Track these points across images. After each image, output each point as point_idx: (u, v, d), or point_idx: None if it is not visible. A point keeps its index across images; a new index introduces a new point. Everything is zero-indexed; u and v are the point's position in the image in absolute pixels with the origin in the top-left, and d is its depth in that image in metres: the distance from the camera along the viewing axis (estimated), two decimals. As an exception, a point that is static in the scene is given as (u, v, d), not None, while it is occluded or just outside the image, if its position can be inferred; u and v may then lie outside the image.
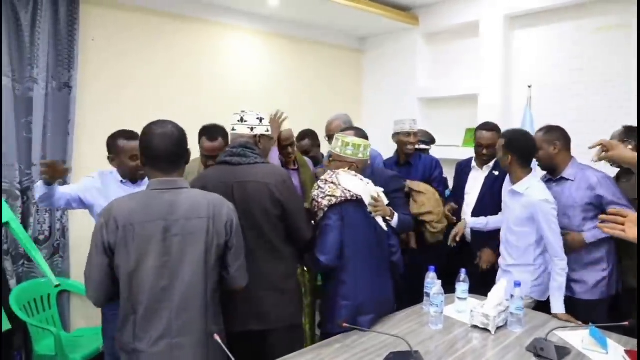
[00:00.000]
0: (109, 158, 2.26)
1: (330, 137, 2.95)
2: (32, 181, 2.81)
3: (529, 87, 3.56)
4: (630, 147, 2.38)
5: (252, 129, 2.05)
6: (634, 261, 2.28)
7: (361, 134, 2.33)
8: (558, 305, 2.18)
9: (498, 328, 1.99)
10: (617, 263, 2.41)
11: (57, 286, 2.51)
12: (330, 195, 1.99)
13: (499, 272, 2.47)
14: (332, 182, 2.02)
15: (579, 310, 2.23)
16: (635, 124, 2.59)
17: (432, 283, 2.11)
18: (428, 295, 2.17)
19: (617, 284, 2.39)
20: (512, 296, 1.99)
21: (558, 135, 2.42)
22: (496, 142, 2.55)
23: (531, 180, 2.32)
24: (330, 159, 2.18)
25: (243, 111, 2.09)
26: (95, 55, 3.14)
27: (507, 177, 2.49)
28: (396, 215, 2.27)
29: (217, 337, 1.45)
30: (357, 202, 2.04)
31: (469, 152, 3.90)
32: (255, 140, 2.05)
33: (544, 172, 2.54)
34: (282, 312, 2.00)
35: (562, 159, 2.40)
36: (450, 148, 4.16)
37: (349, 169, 2.11)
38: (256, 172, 1.94)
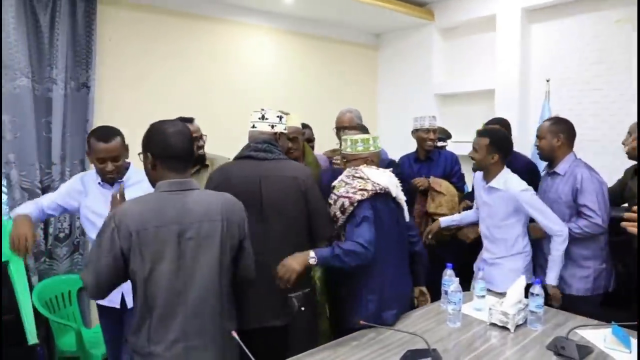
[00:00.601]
0: (87, 152, 2.15)
1: (339, 129, 2.93)
2: (52, 180, 2.86)
3: (547, 81, 3.50)
4: None
5: (272, 127, 2.09)
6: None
7: (364, 130, 2.44)
8: (552, 276, 2.28)
9: (517, 326, 1.96)
10: (609, 260, 2.42)
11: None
12: (362, 189, 1.96)
13: (485, 267, 2.46)
14: (360, 177, 2.01)
15: (567, 304, 2.28)
16: None
17: (450, 280, 2.09)
18: (446, 292, 2.15)
19: (608, 281, 2.41)
20: (532, 294, 1.96)
21: (564, 128, 2.43)
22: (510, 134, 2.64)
23: (505, 174, 2.38)
24: (345, 160, 2.16)
25: (263, 109, 2.11)
26: (112, 55, 3.17)
27: (478, 174, 2.55)
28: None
29: (234, 334, 1.45)
30: (384, 195, 2.04)
31: (486, 148, 3.89)
32: (275, 138, 2.09)
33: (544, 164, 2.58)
34: (305, 309, 1.98)
35: (561, 152, 2.42)
36: (467, 144, 4.08)
37: (365, 164, 2.11)
38: (282, 166, 2.00)
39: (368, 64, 4.89)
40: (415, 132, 3.08)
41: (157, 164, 1.54)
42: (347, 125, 2.84)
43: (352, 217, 1.96)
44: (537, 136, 2.52)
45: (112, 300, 2.08)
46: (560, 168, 2.42)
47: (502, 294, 2.27)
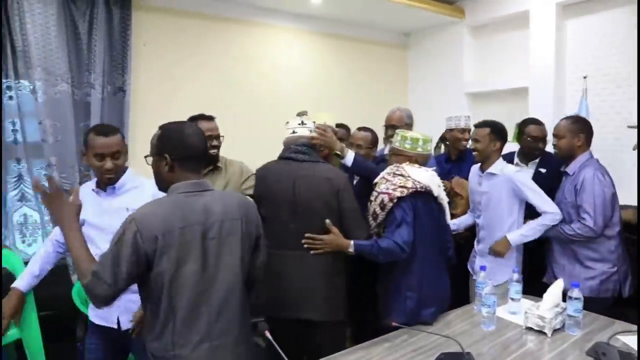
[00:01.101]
0: (81, 153, 2.02)
1: (388, 127, 2.97)
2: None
3: (584, 78, 3.40)
4: None
5: (310, 131, 2.25)
6: None
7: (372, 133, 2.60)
8: (516, 236, 2.36)
9: (555, 331, 1.91)
10: (624, 264, 2.39)
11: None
12: (402, 187, 1.98)
13: (479, 258, 2.54)
14: (401, 175, 2.03)
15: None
16: None
17: (484, 283, 2.06)
18: (480, 295, 2.12)
19: (619, 284, 2.36)
20: (570, 297, 1.91)
21: (583, 128, 2.43)
22: (546, 135, 2.68)
23: (501, 162, 2.48)
24: (392, 153, 2.22)
25: (298, 117, 2.29)
26: (147, 60, 3.26)
27: (472, 170, 2.63)
28: (351, 152, 2.33)
29: (267, 334, 1.47)
30: (425, 194, 2.04)
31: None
32: (312, 143, 2.23)
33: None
34: (334, 306, 2.10)
35: (580, 152, 2.42)
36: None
37: (408, 163, 2.12)
38: (319, 168, 2.13)
39: (397, 63, 4.85)
40: (449, 131, 3.07)
41: (175, 165, 1.50)
42: (395, 124, 2.89)
43: (392, 216, 1.99)
44: (555, 135, 2.48)
45: (109, 319, 1.95)
46: (570, 168, 2.43)
47: (497, 287, 2.32)
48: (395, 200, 1.97)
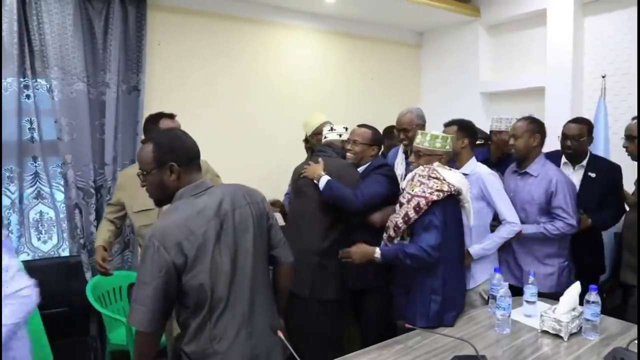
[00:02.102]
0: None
1: (399, 131, 2.89)
2: (104, 179, 2.99)
3: (603, 77, 3.33)
4: None
5: (340, 135, 2.57)
6: (634, 256, 2.33)
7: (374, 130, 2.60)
8: (477, 249, 2.29)
9: (571, 335, 1.88)
10: (570, 258, 2.51)
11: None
12: (439, 190, 1.99)
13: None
14: (436, 178, 2.03)
15: None
16: None
17: (499, 285, 2.03)
18: (494, 297, 2.09)
19: (570, 278, 2.46)
20: (587, 301, 1.87)
21: (540, 129, 2.46)
22: (584, 134, 2.64)
23: (474, 162, 2.42)
24: (419, 154, 2.18)
25: (331, 125, 2.60)
26: (161, 59, 3.28)
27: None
28: (324, 178, 2.33)
29: (280, 334, 1.46)
30: (455, 196, 2.06)
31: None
32: (342, 144, 2.54)
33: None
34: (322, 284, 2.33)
35: (535, 153, 2.46)
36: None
37: (438, 162, 2.12)
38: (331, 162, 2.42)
39: (410, 62, 4.82)
40: (497, 133, 2.96)
41: (181, 171, 1.50)
42: (406, 127, 2.75)
43: (421, 220, 2.00)
44: (512, 135, 2.50)
45: None
46: (532, 169, 2.46)
47: (476, 287, 2.34)
48: (430, 204, 1.98)
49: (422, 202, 1.99)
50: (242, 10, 3.61)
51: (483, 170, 2.37)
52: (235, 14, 3.59)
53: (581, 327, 1.90)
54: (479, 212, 2.34)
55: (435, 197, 1.98)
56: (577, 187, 2.63)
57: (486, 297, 2.34)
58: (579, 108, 3.65)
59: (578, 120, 2.72)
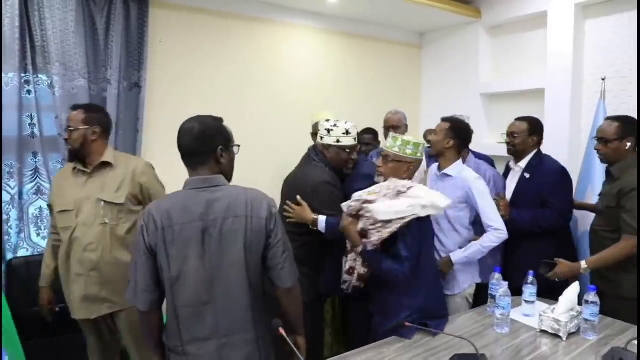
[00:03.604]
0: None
1: (388, 129, 2.95)
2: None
3: (603, 79, 3.34)
4: (629, 144, 2.26)
5: (322, 138, 2.37)
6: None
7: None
8: (460, 257, 2.25)
9: (570, 334, 1.89)
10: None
11: None
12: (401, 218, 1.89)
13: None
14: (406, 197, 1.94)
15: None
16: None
17: (498, 284, 2.04)
18: (493, 297, 2.10)
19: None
20: (586, 301, 1.88)
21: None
22: (523, 132, 2.64)
23: (460, 165, 2.39)
24: (388, 159, 2.08)
25: (327, 120, 2.41)
26: (162, 56, 3.27)
27: (432, 169, 2.54)
28: (322, 219, 2.22)
29: (282, 331, 1.47)
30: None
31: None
32: (323, 149, 2.36)
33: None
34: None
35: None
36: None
37: (407, 170, 2.04)
38: (301, 176, 2.38)
39: (411, 63, 4.82)
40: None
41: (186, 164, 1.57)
42: (395, 125, 2.91)
43: (402, 235, 1.89)
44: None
45: None
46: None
47: (454, 296, 2.34)
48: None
49: (385, 233, 1.87)
50: (243, 8, 3.61)
51: (469, 174, 2.32)
52: (237, 12, 3.59)
53: (580, 327, 1.92)
54: (458, 218, 2.32)
55: (395, 228, 1.85)
56: (514, 186, 2.70)
57: (472, 302, 2.36)
58: (578, 110, 3.66)
59: (520, 118, 2.74)
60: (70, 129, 2.13)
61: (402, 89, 4.70)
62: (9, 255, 2.73)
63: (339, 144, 2.31)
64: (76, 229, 2.07)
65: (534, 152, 2.66)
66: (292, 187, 2.38)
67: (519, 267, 2.31)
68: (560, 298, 1.95)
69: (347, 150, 2.34)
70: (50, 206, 2.26)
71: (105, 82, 2.95)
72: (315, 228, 2.23)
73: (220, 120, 1.62)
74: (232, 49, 3.60)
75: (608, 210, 2.26)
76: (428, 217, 1.97)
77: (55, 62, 2.73)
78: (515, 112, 4.13)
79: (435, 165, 2.51)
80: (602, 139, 2.32)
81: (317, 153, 2.37)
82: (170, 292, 1.48)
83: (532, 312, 2.08)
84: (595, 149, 2.40)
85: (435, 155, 2.44)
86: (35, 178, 2.84)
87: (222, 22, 3.53)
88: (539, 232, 2.52)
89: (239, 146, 1.67)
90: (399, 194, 1.93)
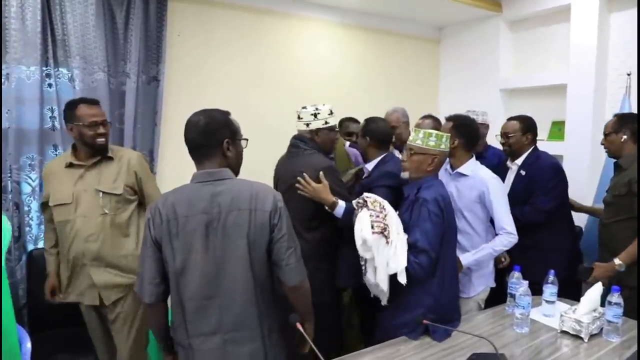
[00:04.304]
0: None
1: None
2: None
3: (628, 75, 3.25)
4: (625, 136, 2.40)
5: (307, 125, 2.33)
6: (608, 254, 2.35)
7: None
8: (470, 260, 2.18)
9: (591, 336, 1.85)
10: None
11: None
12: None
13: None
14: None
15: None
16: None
17: (518, 283, 2.01)
18: (512, 296, 2.07)
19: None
20: (609, 302, 1.84)
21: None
22: (516, 131, 2.65)
23: (474, 163, 2.32)
24: (412, 151, 2.04)
25: (304, 107, 2.36)
26: (180, 50, 3.28)
27: (445, 168, 2.42)
28: (341, 204, 2.15)
29: (299, 327, 1.46)
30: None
31: (555, 146, 3.68)
32: (311, 135, 2.33)
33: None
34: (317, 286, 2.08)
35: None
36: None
37: (431, 162, 2.00)
38: (304, 163, 2.25)
39: (429, 57, 4.76)
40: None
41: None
42: (394, 125, 2.89)
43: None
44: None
45: None
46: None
47: (468, 299, 2.28)
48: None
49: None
50: (261, 2, 3.60)
51: (486, 173, 2.26)
52: (254, 5, 3.58)
53: (602, 329, 1.88)
54: (474, 219, 2.26)
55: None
56: (510, 184, 2.71)
57: (483, 306, 2.31)
58: (601, 106, 3.57)
59: (512, 118, 2.77)
60: (105, 123, 2.22)
61: (421, 83, 4.65)
62: (30, 246, 2.78)
63: (328, 125, 2.34)
64: (76, 221, 2.12)
65: (530, 149, 2.70)
66: (293, 175, 2.23)
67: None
68: (582, 298, 1.91)
69: (335, 129, 2.42)
70: (44, 203, 2.24)
71: (124, 76, 2.97)
72: (331, 211, 2.17)
73: (226, 113, 1.61)
74: (249, 42, 3.59)
75: (618, 199, 2.32)
76: (450, 209, 1.97)
77: (75, 55, 2.76)
78: (536, 108, 4.07)
79: (445, 163, 2.36)
80: (604, 134, 2.51)
81: (306, 141, 2.32)
82: (175, 285, 1.49)
83: (552, 312, 2.04)
84: (601, 144, 2.56)
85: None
86: (56, 170, 2.88)
87: (239, 15, 3.52)
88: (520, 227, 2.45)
89: (246, 139, 1.66)
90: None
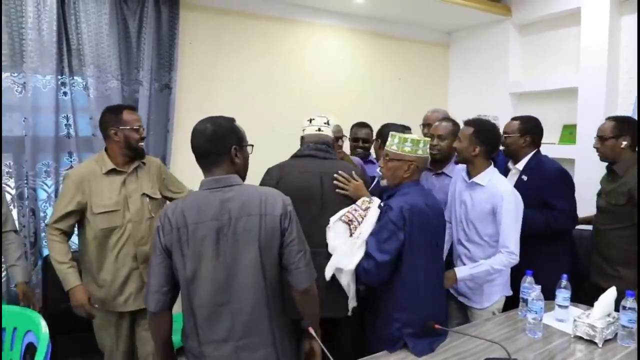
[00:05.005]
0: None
1: (424, 126, 2.91)
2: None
3: (639, 77, 3.23)
4: (625, 142, 2.37)
5: (333, 132, 2.35)
6: (602, 260, 2.44)
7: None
8: (465, 274, 2.09)
9: (605, 341, 1.83)
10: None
11: None
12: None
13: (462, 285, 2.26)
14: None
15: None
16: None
17: (531, 288, 1.99)
18: (525, 300, 2.05)
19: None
20: (624, 307, 1.82)
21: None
22: (514, 132, 2.56)
23: (492, 172, 2.20)
24: (387, 157, 1.98)
25: (323, 116, 2.33)
26: (192, 58, 3.33)
27: (457, 174, 2.38)
28: (378, 201, 2.06)
29: (311, 330, 1.47)
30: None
31: (567, 150, 3.66)
32: (332, 142, 2.33)
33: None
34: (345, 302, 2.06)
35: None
36: (546, 146, 3.88)
37: (407, 168, 1.93)
38: (340, 165, 2.21)
39: (439, 62, 4.77)
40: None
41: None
42: (432, 123, 2.75)
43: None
44: (439, 136, 2.46)
45: None
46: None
47: (482, 310, 2.20)
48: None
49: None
50: (270, 9, 3.64)
51: (503, 186, 2.15)
52: (265, 13, 3.62)
53: (617, 334, 1.86)
54: (486, 230, 2.17)
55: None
56: None
57: None
58: (613, 109, 3.55)
59: (515, 118, 2.68)
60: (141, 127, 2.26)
61: (430, 88, 4.66)
62: (45, 252, 2.82)
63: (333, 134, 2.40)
64: (127, 226, 2.17)
65: (532, 153, 2.56)
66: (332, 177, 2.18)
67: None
68: (596, 303, 1.90)
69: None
70: (70, 213, 2.13)
71: (137, 84, 3.02)
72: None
73: (232, 120, 1.61)
74: (258, 49, 3.63)
75: (616, 208, 2.32)
76: (423, 219, 1.87)
77: (90, 64, 2.81)
78: (547, 111, 4.05)
79: (462, 169, 2.33)
80: (600, 137, 2.45)
81: (331, 147, 2.28)
82: (186, 293, 1.49)
83: (565, 317, 2.02)
84: (594, 147, 2.51)
85: (463, 162, 2.28)
86: (70, 177, 2.92)
87: (248, 23, 3.57)
88: (550, 234, 2.43)
89: (252, 145, 1.67)
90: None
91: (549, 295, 2.06)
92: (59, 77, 2.77)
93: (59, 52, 2.73)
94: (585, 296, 2.26)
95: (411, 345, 1.79)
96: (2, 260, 2.28)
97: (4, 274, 2.59)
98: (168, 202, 2.41)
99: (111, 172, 2.19)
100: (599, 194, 2.53)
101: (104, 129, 2.21)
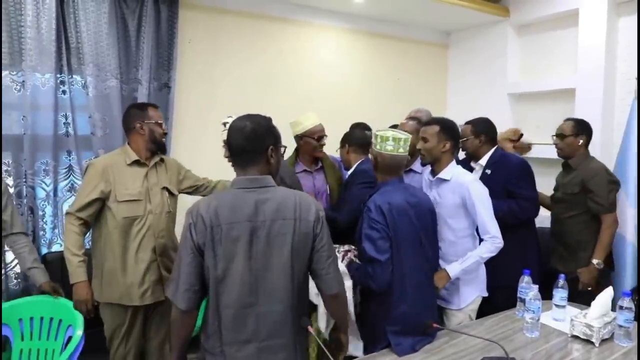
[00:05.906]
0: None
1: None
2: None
3: (637, 78, 3.24)
4: (581, 141, 2.67)
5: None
6: (560, 245, 2.72)
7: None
8: (457, 270, 2.07)
9: (602, 341, 1.85)
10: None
11: None
12: None
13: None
14: None
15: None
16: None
17: (528, 287, 2.01)
18: (522, 300, 2.07)
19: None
20: (621, 307, 1.83)
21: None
22: (467, 135, 2.67)
23: (454, 166, 2.23)
24: (373, 157, 2.02)
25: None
26: (191, 57, 3.33)
27: (425, 175, 2.40)
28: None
29: (310, 330, 1.48)
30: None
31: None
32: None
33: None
34: None
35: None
36: (543, 146, 3.90)
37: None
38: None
39: (437, 62, 4.78)
40: None
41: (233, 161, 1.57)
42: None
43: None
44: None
45: None
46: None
47: (458, 310, 2.18)
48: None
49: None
50: (270, 9, 3.64)
51: (466, 177, 2.18)
52: (264, 12, 3.62)
53: (613, 333, 1.87)
54: (458, 226, 2.18)
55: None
56: None
57: (474, 318, 2.22)
58: (610, 110, 3.57)
59: (467, 122, 2.78)
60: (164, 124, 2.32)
61: (429, 88, 4.67)
62: (44, 250, 2.82)
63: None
64: (148, 217, 2.20)
65: (493, 149, 2.68)
66: None
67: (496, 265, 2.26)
68: (593, 303, 1.91)
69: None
70: (93, 201, 2.13)
71: (136, 83, 3.02)
72: None
73: (269, 119, 1.59)
74: (257, 49, 3.63)
75: (572, 197, 2.64)
76: (403, 218, 1.89)
77: (89, 63, 2.81)
78: (545, 112, 4.07)
79: (427, 170, 2.35)
80: (560, 135, 2.73)
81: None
82: (214, 292, 1.46)
83: (562, 316, 2.04)
84: (554, 144, 2.78)
85: (430, 163, 2.28)
86: (69, 175, 2.93)
87: (249, 22, 3.57)
88: (514, 224, 2.45)
89: (285, 147, 1.65)
90: None
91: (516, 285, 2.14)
92: (58, 75, 2.77)
93: (58, 50, 2.73)
94: (546, 282, 2.29)
95: (394, 343, 1.81)
96: (16, 263, 2.34)
97: (10, 272, 2.67)
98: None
99: (134, 163, 2.23)
100: (556, 189, 2.81)
101: (129, 123, 2.26)
